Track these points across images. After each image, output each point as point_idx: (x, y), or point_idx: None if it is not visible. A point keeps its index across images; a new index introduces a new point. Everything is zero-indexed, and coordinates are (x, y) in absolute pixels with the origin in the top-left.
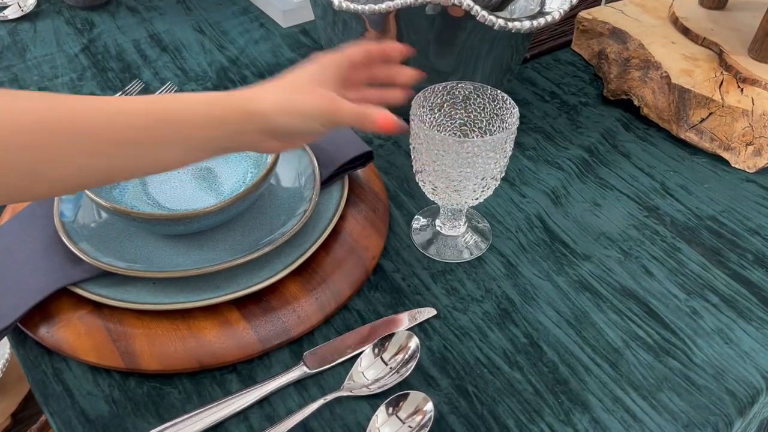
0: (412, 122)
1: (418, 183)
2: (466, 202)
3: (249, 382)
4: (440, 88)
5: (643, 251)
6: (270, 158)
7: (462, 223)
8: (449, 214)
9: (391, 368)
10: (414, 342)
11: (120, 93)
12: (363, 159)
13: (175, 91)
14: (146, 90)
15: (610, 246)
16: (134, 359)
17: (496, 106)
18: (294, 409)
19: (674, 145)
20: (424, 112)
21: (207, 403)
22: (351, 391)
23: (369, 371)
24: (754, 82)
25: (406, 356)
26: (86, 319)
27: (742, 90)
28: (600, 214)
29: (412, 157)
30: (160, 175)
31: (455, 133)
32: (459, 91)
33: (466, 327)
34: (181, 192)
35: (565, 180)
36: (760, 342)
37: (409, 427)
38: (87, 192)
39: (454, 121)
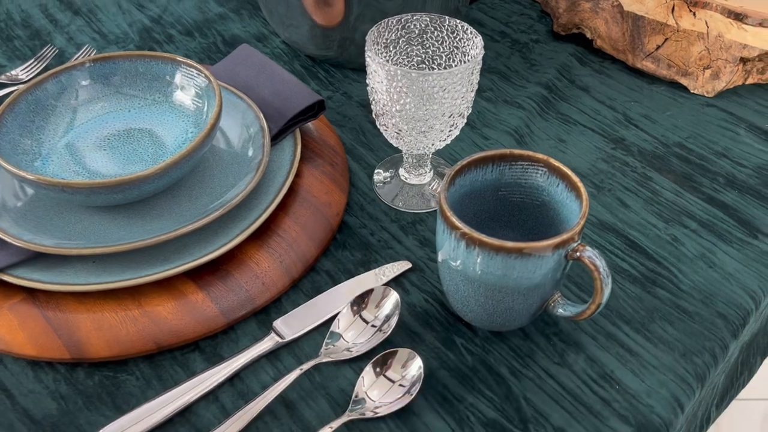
0: (368, 59)
1: (377, 131)
2: (432, 145)
3: (215, 359)
4: (394, 22)
5: (615, 183)
6: (211, 114)
7: (427, 170)
8: (413, 161)
9: (373, 326)
10: (393, 297)
11: (32, 60)
12: (314, 110)
13: (95, 54)
14: (61, 57)
15: (581, 181)
16: (80, 348)
17: (456, 38)
18: (269, 383)
19: (631, 75)
20: (378, 48)
21: (170, 387)
22: (330, 357)
23: (348, 332)
24: (705, 5)
25: (387, 312)
26: (19, 308)
27: (694, 14)
28: (567, 150)
29: (371, 99)
30: (88, 141)
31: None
32: (414, 24)
33: (441, 288)
34: (115, 158)
35: (527, 119)
36: (743, 263)
37: (401, 386)
38: (5, 165)
39: (410, 59)
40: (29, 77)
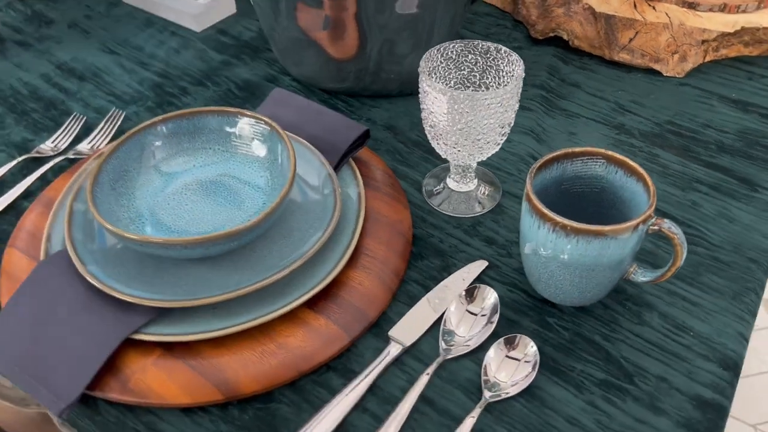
0: (427, 88)
1: (409, 150)
2: (482, 154)
3: (349, 374)
4: (435, 51)
5: None
6: (288, 162)
7: (473, 177)
8: (461, 171)
9: (483, 315)
10: (490, 291)
11: (61, 131)
12: (361, 139)
13: (122, 117)
14: (88, 123)
15: None
16: (231, 387)
17: (489, 58)
18: (405, 386)
19: (610, 68)
20: (430, 77)
21: (320, 406)
22: (453, 353)
23: (460, 328)
24: None
25: (491, 303)
26: (162, 363)
27: (654, 8)
28: (579, 141)
29: (428, 122)
30: (169, 200)
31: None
32: (451, 51)
33: (519, 268)
34: (202, 210)
35: (537, 119)
36: (754, 214)
37: (526, 362)
38: (112, 228)
39: (448, 81)
40: (64, 146)
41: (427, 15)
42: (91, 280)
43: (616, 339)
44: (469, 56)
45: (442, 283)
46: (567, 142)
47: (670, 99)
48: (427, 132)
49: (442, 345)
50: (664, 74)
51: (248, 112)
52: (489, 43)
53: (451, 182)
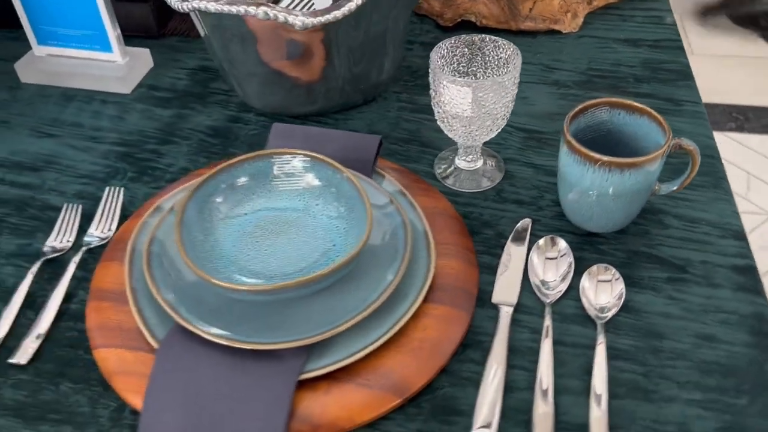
0: (445, 82)
1: (405, 144)
2: (490, 136)
3: (484, 344)
4: (443, 50)
5: None
6: (361, 198)
7: (479, 156)
8: (469, 151)
9: (562, 256)
10: (555, 237)
11: (61, 227)
12: (377, 150)
13: (122, 192)
14: (92, 208)
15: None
16: (404, 388)
17: (474, 48)
18: (533, 338)
19: (519, 36)
20: (444, 72)
21: (478, 380)
22: (551, 298)
23: (548, 274)
24: None
25: (563, 246)
26: (335, 390)
27: None
28: (535, 103)
29: (443, 114)
30: (249, 247)
31: None
32: (449, 50)
33: (554, 216)
34: (280, 252)
35: None
36: (689, 122)
37: (616, 280)
38: (222, 284)
39: (453, 74)
40: (72, 240)
41: (390, 25)
42: (229, 343)
43: (656, 245)
44: (458, 49)
45: (507, 245)
46: (525, 106)
47: (578, 50)
48: (442, 122)
49: (542, 293)
50: (563, 32)
51: (296, 151)
52: (474, 36)
53: (461, 162)
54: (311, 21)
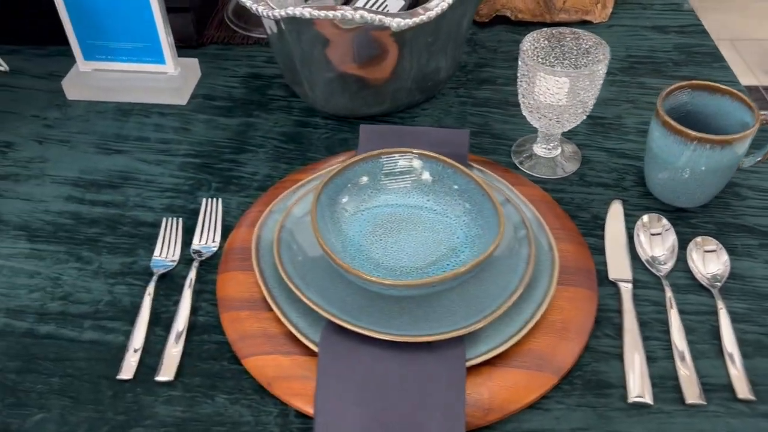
0: (542, 73)
1: (481, 130)
2: (576, 121)
3: (613, 320)
4: (534, 42)
5: (637, 94)
6: (493, 207)
7: (557, 144)
8: (548, 139)
9: (666, 230)
10: (654, 214)
11: (162, 244)
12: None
13: (220, 202)
14: (192, 221)
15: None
16: (558, 367)
17: (552, 40)
18: (657, 310)
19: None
20: (537, 63)
21: (620, 352)
22: (663, 271)
23: (656, 249)
24: None
25: (664, 222)
26: (497, 374)
27: None
28: None
29: (533, 105)
30: (376, 245)
31: None
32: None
33: (642, 196)
34: (405, 246)
35: None
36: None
37: (720, 250)
38: (383, 281)
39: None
40: (178, 254)
41: (459, 22)
42: (394, 338)
43: (740, 215)
44: (539, 42)
45: (607, 225)
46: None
47: (612, 39)
48: (530, 112)
49: (655, 268)
50: (594, 22)
51: (405, 150)
52: (553, 29)
53: (540, 150)
54: (406, 22)
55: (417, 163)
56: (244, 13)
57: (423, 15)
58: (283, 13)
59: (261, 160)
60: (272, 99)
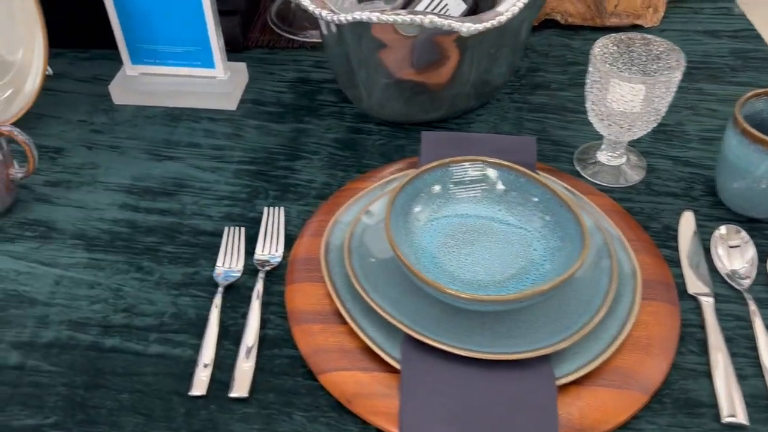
0: (617, 79)
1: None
2: (648, 128)
3: (697, 334)
4: (604, 48)
5: (706, 99)
6: (560, 200)
7: (623, 152)
8: (614, 147)
9: (745, 243)
10: (730, 225)
11: (224, 254)
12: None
13: (282, 210)
14: (252, 230)
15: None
16: (650, 385)
17: (621, 46)
18: (741, 318)
19: (605, 32)
20: (613, 69)
21: (706, 364)
22: (746, 284)
23: (735, 262)
24: None
25: (743, 233)
26: (586, 392)
27: None
28: None
29: (603, 112)
30: (449, 257)
31: None
32: (598, 49)
33: (712, 205)
34: (484, 263)
35: None
36: None
37: None
38: (467, 296)
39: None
40: (242, 264)
41: (520, 27)
42: (482, 356)
43: None
44: (608, 48)
45: (680, 236)
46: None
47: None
48: (599, 120)
49: (736, 281)
50: (645, 26)
51: (475, 158)
52: (621, 34)
53: (605, 158)
54: (476, 27)
55: (489, 172)
56: (287, 16)
57: (493, 20)
58: (349, 17)
59: (317, 167)
60: (322, 104)
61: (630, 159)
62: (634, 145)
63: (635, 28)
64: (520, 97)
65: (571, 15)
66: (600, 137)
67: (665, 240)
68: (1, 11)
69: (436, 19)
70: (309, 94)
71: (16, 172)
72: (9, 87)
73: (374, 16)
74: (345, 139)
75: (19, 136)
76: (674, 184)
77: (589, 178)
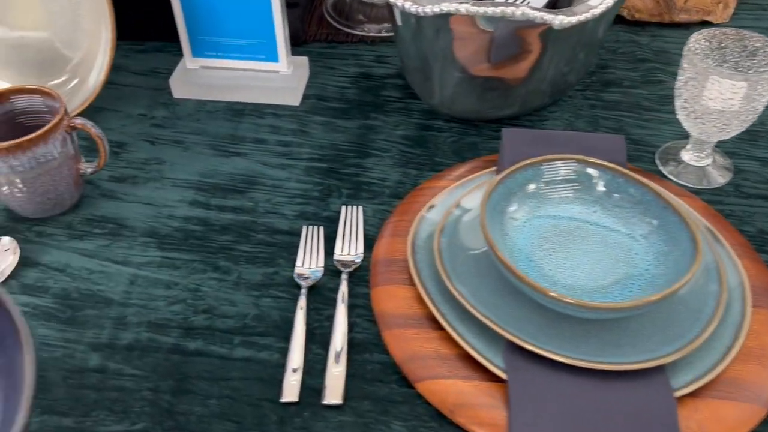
0: (717, 77)
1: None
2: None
3: None
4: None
5: None
6: (664, 202)
7: (710, 152)
8: (701, 147)
9: None
10: None
11: (303, 254)
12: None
13: (360, 210)
14: (328, 229)
15: None
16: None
17: (714, 41)
18: None
19: (671, 29)
20: (714, 68)
21: None
22: None
23: None
24: None
25: None
26: (703, 404)
27: None
28: None
29: (697, 110)
30: (545, 260)
31: None
32: (693, 45)
33: None
34: (584, 267)
35: None
36: None
37: None
38: (584, 303)
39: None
40: (321, 264)
41: (599, 24)
42: (600, 367)
43: None
44: (699, 44)
45: None
46: None
47: None
48: (690, 118)
49: None
50: (714, 22)
51: (567, 156)
52: (714, 29)
53: (690, 158)
54: (570, 20)
55: (583, 171)
56: (343, 9)
57: (587, 13)
58: (436, 9)
59: (388, 165)
60: (387, 100)
61: (716, 160)
62: (718, 145)
63: (704, 24)
64: (593, 95)
65: (638, 11)
66: (681, 136)
67: (761, 245)
68: (65, 3)
69: (528, 11)
70: (373, 89)
71: (86, 166)
72: (71, 80)
73: (462, 8)
74: (415, 136)
75: (93, 129)
76: (764, 186)
77: (672, 178)
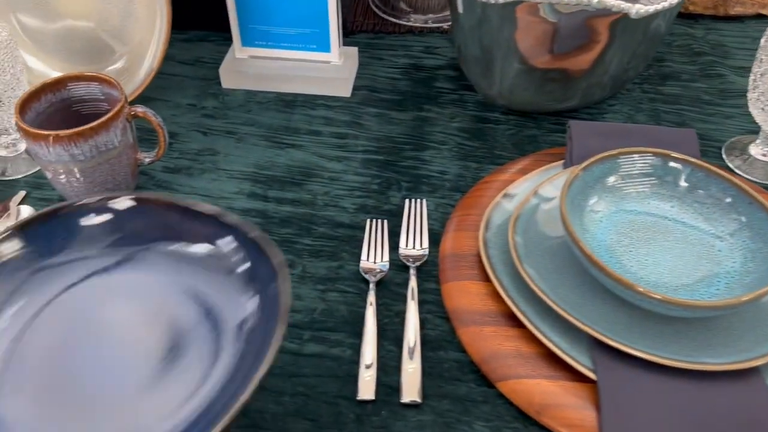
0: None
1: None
2: None
3: None
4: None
5: None
6: (749, 196)
7: None
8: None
9: None
10: None
11: (368, 248)
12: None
13: (424, 203)
14: (391, 222)
15: None
16: None
17: None
18: None
19: (726, 22)
20: None
21: None
22: None
23: None
24: None
25: None
26: None
27: None
28: None
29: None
30: (626, 256)
31: None
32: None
33: None
34: (667, 264)
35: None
36: None
37: None
38: (685, 301)
39: None
40: (386, 259)
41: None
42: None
43: None
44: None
45: None
46: None
47: None
48: (761, 111)
49: None
50: None
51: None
52: None
53: (759, 152)
54: (647, 9)
55: (662, 165)
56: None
57: (665, 2)
58: None
59: (446, 158)
60: (441, 92)
61: None
62: None
63: (760, 17)
64: (651, 88)
65: (693, 3)
66: (746, 131)
67: None
68: None
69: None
70: (425, 81)
71: (144, 156)
72: (120, 70)
73: None
74: (472, 128)
75: (154, 117)
76: None
77: (740, 173)
